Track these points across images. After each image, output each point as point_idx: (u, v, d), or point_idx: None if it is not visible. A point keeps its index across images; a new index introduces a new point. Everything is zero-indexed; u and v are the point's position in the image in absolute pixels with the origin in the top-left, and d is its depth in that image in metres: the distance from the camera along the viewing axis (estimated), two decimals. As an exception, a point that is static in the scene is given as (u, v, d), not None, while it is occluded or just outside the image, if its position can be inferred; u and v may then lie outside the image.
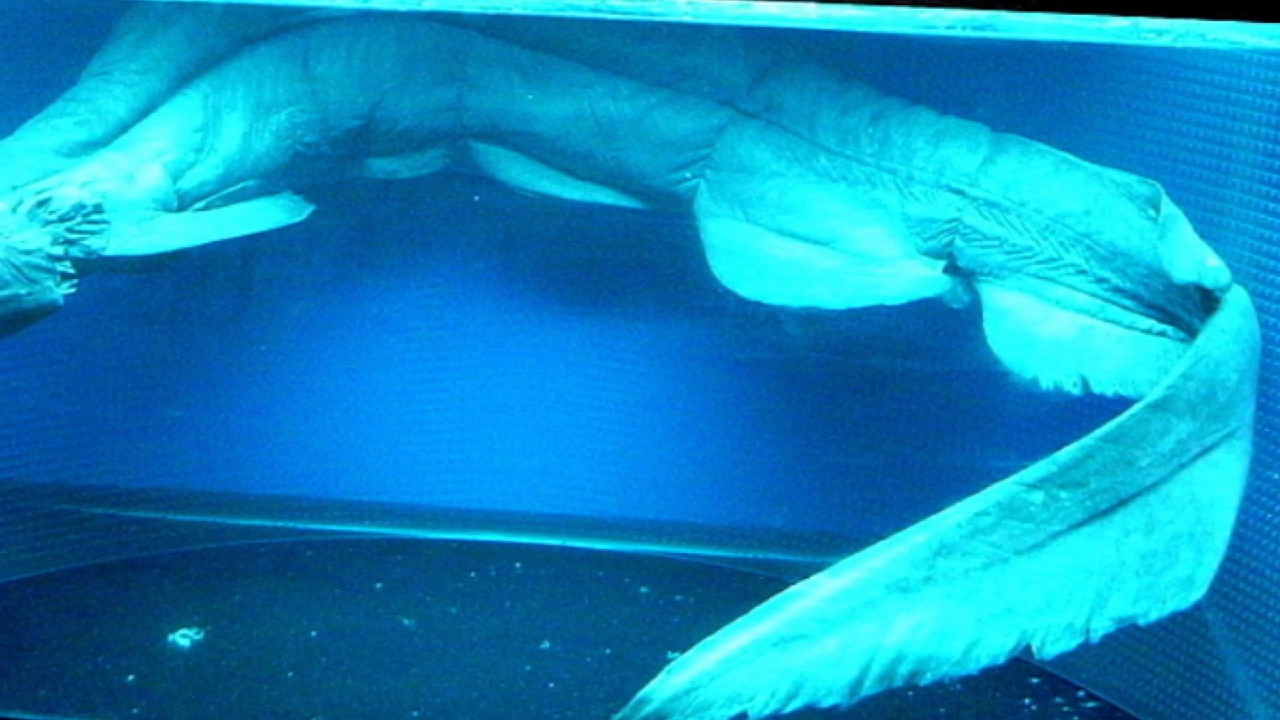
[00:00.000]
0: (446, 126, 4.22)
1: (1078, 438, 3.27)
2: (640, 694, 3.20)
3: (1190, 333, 3.46)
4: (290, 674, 3.91)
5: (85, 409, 4.43)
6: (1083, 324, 3.68)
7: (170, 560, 4.45)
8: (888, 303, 3.80)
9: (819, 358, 4.22)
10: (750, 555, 4.50)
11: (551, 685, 3.89)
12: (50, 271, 3.63)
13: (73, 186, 3.72)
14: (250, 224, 4.00)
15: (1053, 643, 3.27)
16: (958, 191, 3.81)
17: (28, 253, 3.59)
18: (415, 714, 3.77)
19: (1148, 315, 3.62)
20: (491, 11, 3.47)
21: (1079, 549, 3.28)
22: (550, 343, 4.58)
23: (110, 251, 3.73)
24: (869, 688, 3.22)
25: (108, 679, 3.85)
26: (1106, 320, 3.66)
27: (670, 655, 3.27)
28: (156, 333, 4.40)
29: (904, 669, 3.23)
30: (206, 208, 3.99)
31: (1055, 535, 3.27)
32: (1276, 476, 3.54)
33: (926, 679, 3.24)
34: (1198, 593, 3.30)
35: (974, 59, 3.83)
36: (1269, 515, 3.57)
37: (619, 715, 3.22)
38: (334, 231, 4.33)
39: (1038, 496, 3.25)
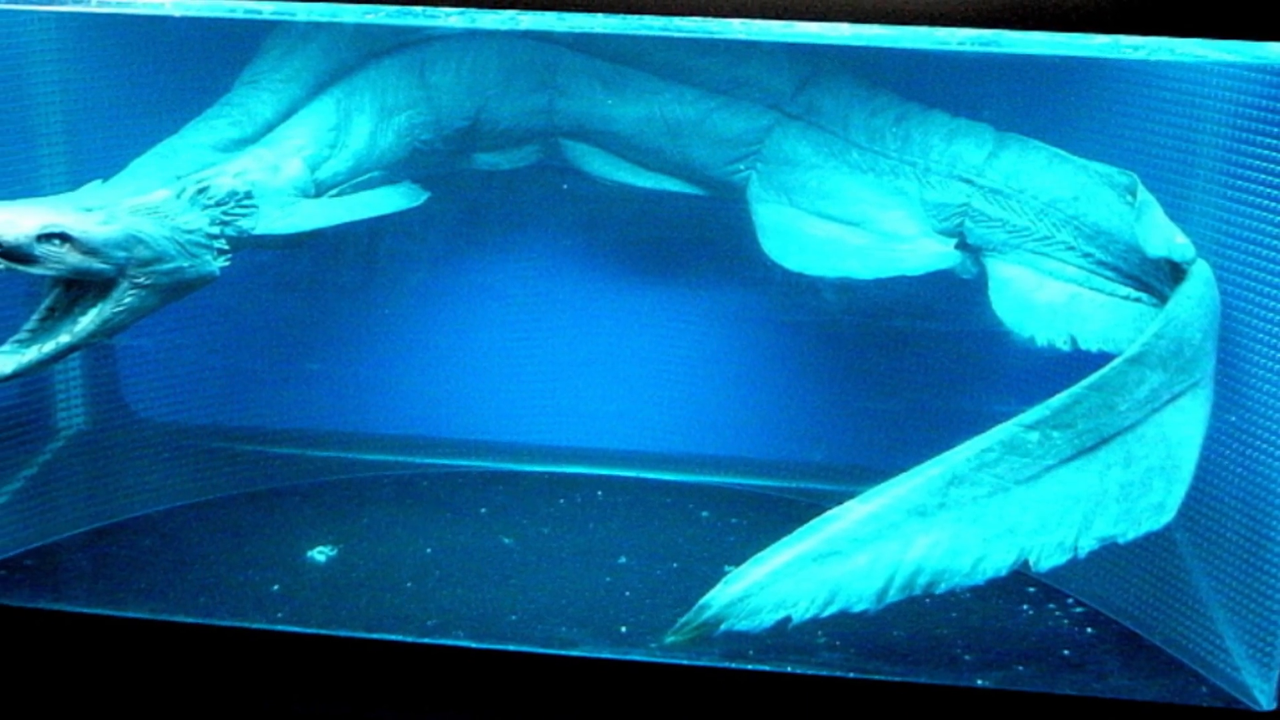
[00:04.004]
0: (540, 126, 4.25)
1: (1068, 387, 3.34)
2: (702, 600, 3.32)
3: (1162, 299, 3.53)
4: (409, 584, 3.94)
5: (238, 362, 4.48)
6: (1072, 291, 3.72)
7: (309, 489, 4.47)
8: (908, 273, 3.84)
9: (851, 319, 4.23)
10: (794, 485, 4.46)
11: (627, 594, 3.92)
12: (208, 248, 3.73)
13: (227, 176, 3.80)
14: (375, 208, 4.07)
15: (1046, 558, 3.35)
16: (967, 181, 3.85)
17: (189, 232, 3.67)
18: (514, 617, 3.79)
19: (1126, 284, 3.67)
20: (578, 30, 3.45)
21: (1069, 480, 3.35)
22: (626, 306, 4.58)
23: (258, 231, 3.81)
24: (893, 596, 3.32)
25: (256, 589, 3.90)
26: (1092, 288, 3.71)
27: (727, 569, 3.35)
28: (297, 298, 4.43)
29: (922, 580, 3.32)
30: (339, 194, 4.06)
31: (1049, 468, 3.34)
32: (1233, 419, 3.58)
33: (941, 589, 3.34)
34: (1168, 516, 3.39)
35: (981, 70, 3.84)
36: (1227, 452, 3.60)
37: (684, 619, 3.34)
38: (445, 214, 4.35)
39: (1034, 436, 3.32)
